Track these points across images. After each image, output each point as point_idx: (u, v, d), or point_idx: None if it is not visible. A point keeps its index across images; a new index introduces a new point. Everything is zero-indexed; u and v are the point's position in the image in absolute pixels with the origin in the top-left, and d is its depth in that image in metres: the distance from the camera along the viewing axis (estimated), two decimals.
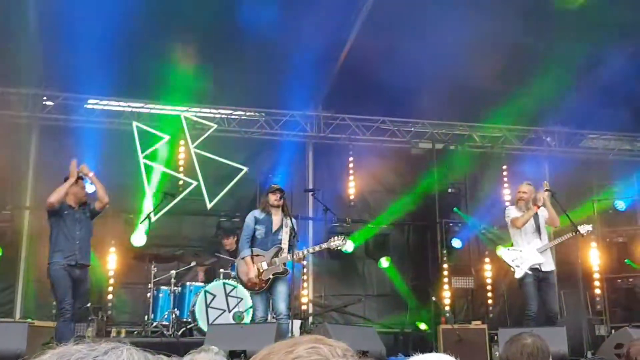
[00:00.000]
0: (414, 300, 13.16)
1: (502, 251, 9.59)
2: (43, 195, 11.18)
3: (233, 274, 10.11)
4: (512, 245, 9.62)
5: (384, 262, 13.19)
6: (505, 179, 14.03)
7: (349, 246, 8.90)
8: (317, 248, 9.31)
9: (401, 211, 13.96)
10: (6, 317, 10.54)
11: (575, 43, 10.98)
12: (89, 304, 9.41)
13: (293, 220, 8.81)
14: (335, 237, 8.91)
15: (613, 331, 10.57)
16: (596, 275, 13.11)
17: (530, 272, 9.14)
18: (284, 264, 8.55)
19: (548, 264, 9.27)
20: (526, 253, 9.24)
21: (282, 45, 10.98)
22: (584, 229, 9.58)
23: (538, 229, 9.39)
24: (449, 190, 13.63)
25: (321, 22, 10.78)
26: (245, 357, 6.90)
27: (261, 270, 8.53)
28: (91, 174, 8.59)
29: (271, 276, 8.50)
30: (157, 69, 11.48)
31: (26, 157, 12.18)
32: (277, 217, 8.79)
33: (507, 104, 12.47)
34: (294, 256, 8.60)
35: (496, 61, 11.33)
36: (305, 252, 9.36)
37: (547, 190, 9.72)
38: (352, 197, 13.60)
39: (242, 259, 8.69)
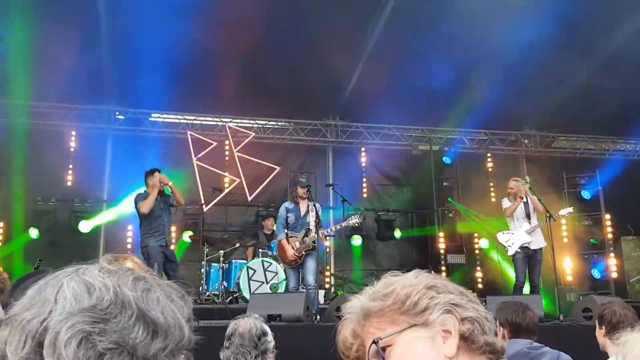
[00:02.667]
0: None
1: (499, 235, 9.60)
2: (116, 190, 11.42)
3: (270, 253, 10.21)
4: (506, 229, 9.65)
5: (397, 233, 13.29)
6: (490, 175, 14.04)
7: (356, 220, 8.98)
8: (337, 226, 9.47)
9: (405, 201, 13.99)
10: None
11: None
12: None
13: (318, 206, 8.87)
14: (354, 216, 9.07)
15: (581, 298, 10.51)
16: (565, 251, 13.11)
17: (520, 250, 9.13)
18: (313, 242, 8.63)
19: (536, 242, 9.20)
20: (517, 235, 9.22)
21: (306, 69, 11.02)
22: (565, 211, 9.65)
23: (528, 215, 9.36)
24: (444, 184, 13.62)
25: (337, 52, 10.84)
26: (280, 319, 6.94)
27: (295, 248, 8.64)
28: (170, 183, 8.68)
29: (304, 252, 8.60)
30: (207, 89, 11.58)
31: (103, 161, 12.34)
32: (304, 206, 8.87)
33: (492, 112, 12.46)
34: (320, 235, 8.67)
35: (487, 77, 11.28)
36: (328, 230, 9.53)
37: (525, 182, 9.72)
38: (364, 189, 13.68)
39: (279, 241, 8.82)
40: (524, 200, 9.35)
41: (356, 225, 9.30)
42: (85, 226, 11.83)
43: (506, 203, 9.56)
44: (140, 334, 0.80)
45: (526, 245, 9.14)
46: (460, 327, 1.32)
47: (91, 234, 11.92)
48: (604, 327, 4.10)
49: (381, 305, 1.36)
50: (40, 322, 0.79)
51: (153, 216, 8.46)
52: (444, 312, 1.33)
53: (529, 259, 9.18)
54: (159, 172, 8.69)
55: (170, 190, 8.66)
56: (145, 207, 8.38)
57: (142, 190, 8.76)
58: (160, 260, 8.27)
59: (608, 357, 3.88)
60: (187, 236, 11.78)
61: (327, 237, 11.15)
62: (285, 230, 8.80)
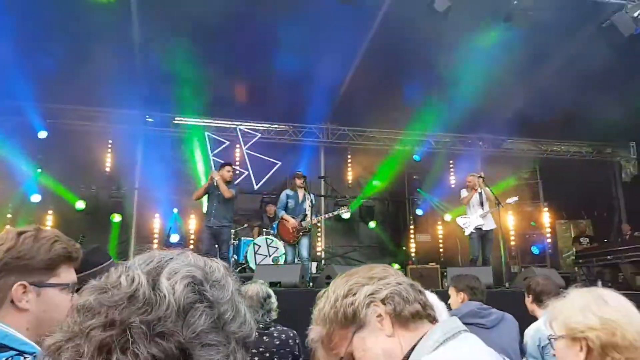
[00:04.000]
0: (391, 249, 13.27)
1: (458, 218, 9.66)
2: (147, 179, 11.43)
3: (272, 232, 10.25)
4: (464, 213, 9.72)
5: (372, 224, 13.31)
6: (451, 170, 14.12)
7: (346, 215, 9.12)
8: (328, 215, 9.57)
9: (383, 191, 14.08)
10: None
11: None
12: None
13: (312, 195, 8.92)
14: (341, 208, 9.16)
15: (522, 269, 10.64)
16: (512, 232, 13.23)
17: (474, 231, 9.20)
18: (308, 225, 8.70)
19: (488, 225, 9.23)
20: (472, 219, 9.28)
21: (303, 81, 11.04)
22: (512, 199, 9.71)
23: (481, 203, 9.39)
24: (414, 177, 13.70)
25: (329, 66, 10.84)
26: (280, 286, 6.98)
27: (294, 229, 8.70)
28: (217, 177, 8.65)
29: (301, 234, 8.68)
30: (221, 98, 11.59)
31: (134, 156, 12.34)
32: (301, 194, 8.95)
33: (455, 119, 12.52)
34: (313, 220, 8.75)
35: (452, 92, 11.33)
36: (321, 218, 9.61)
37: (480, 177, 9.78)
38: (349, 181, 13.72)
39: (282, 218, 8.87)
40: (479, 191, 9.41)
41: (343, 214, 9.43)
42: (116, 218, 11.86)
43: (464, 193, 9.64)
44: (228, 311, 0.84)
45: (479, 226, 9.21)
46: (386, 308, 1.31)
47: (124, 219, 11.93)
48: (531, 295, 4.20)
49: (326, 332, 1.35)
50: (164, 261, 0.85)
51: (208, 202, 8.61)
52: (367, 307, 1.31)
53: (482, 238, 9.24)
54: (226, 166, 8.80)
55: (215, 183, 8.61)
56: (194, 195, 8.63)
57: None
58: (206, 237, 8.40)
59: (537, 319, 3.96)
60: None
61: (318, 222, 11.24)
62: (284, 213, 8.88)
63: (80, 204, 11.52)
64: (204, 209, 8.65)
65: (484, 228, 9.23)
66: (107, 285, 0.81)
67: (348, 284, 1.35)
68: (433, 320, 1.36)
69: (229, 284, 0.87)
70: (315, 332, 1.37)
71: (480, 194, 9.42)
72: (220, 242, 8.45)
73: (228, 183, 8.64)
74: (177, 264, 0.84)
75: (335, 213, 9.29)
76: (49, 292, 1.57)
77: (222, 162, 8.99)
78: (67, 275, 1.63)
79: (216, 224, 8.40)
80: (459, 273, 4.77)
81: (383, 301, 1.31)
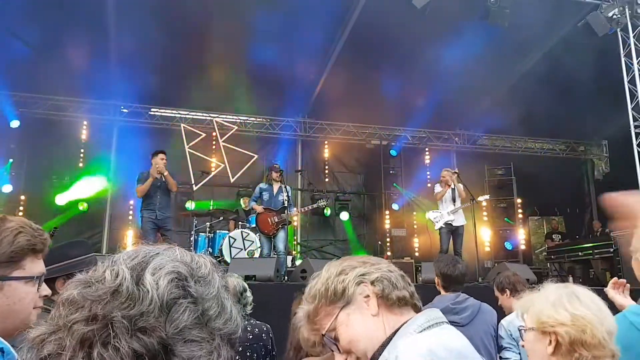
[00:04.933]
0: (367, 243, 13.33)
1: (428, 213, 9.68)
2: (122, 171, 11.26)
3: (247, 225, 10.19)
4: (436, 208, 9.76)
5: (344, 215, 13.32)
6: (427, 165, 14.21)
7: (323, 204, 9.14)
8: (308, 208, 9.55)
9: (359, 185, 14.11)
10: (96, 252, 10.53)
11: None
12: None
13: (288, 189, 8.88)
14: (320, 200, 9.16)
15: (496, 264, 10.74)
16: (485, 228, 13.38)
17: (444, 226, 9.19)
18: (288, 218, 8.67)
19: (458, 221, 9.25)
20: (443, 214, 9.28)
21: (280, 74, 11.00)
22: (483, 197, 9.74)
23: (453, 199, 9.36)
24: (391, 171, 13.72)
25: (306, 61, 10.82)
26: (255, 279, 6.94)
27: (274, 223, 8.65)
28: (165, 173, 8.38)
29: (279, 226, 8.62)
30: (198, 87, 11.48)
31: (109, 147, 12.16)
32: (276, 187, 8.87)
33: (431, 115, 12.62)
34: (293, 213, 8.71)
35: (426, 85, 11.39)
36: (301, 210, 9.61)
37: (455, 172, 9.83)
38: (326, 175, 13.72)
39: (257, 214, 8.77)
40: (452, 187, 9.45)
41: (322, 207, 9.39)
42: (61, 199, 11.43)
43: (437, 188, 9.65)
44: (213, 307, 0.84)
45: (450, 222, 9.22)
46: (374, 288, 1.35)
47: (97, 207, 11.75)
48: (507, 291, 4.24)
49: (314, 305, 1.38)
50: (149, 256, 0.85)
51: (147, 195, 8.19)
52: (357, 285, 1.35)
53: (452, 233, 9.26)
54: (164, 154, 8.33)
55: (164, 178, 8.27)
56: (140, 192, 8.07)
57: (145, 171, 8.39)
58: (150, 228, 8.09)
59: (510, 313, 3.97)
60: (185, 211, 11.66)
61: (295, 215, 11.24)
62: (255, 204, 8.83)
63: (60, 200, 11.28)
64: (143, 200, 8.28)
65: (454, 224, 9.24)
66: (92, 279, 0.82)
67: (342, 265, 1.40)
68: (418, 310, 1.39)
69: (215, 280, 0.87)
70: (302, 310, 1.41)
71: (453, 189, 9.46)
72: (167, 232, 8.27)
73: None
74: (162, 260, 0.84)
75: (315, 206, 9.28)
76: (12, 285, 1.52)
77: (159, 150, 8.44)
78: (33, 266, 1.57)
79: (161, 215, 8.22)
80: (440, 255, 4.69)
81: (373, 282, 1.35)
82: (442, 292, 3.90)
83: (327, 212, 12.90)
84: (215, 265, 0.91)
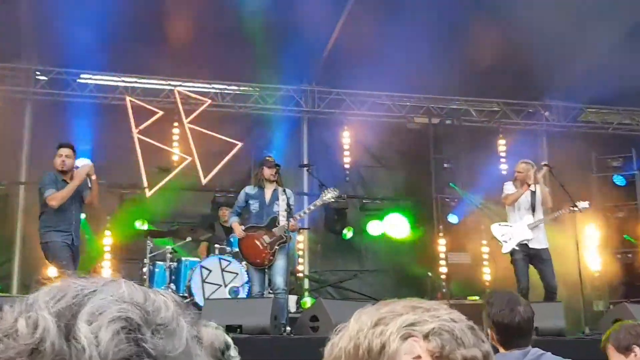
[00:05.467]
0: (411, 275, 13.28)
1: (493, 226, 9.65)
2: (38, 170, 11.30)
3: (229, 249, 10.21)
4: (504, 221, 9.70)
5: (374, 229, 13.34)
6: (502, 154, 14.15)
7: (331, 195, 9.07)
8: (311, 207, 9.52)
9: (396, 187, 14.06)
10: (3, 292, 10.62)
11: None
12: None
13: (289, 192, 8.89)
14: (327, 190, 9.13)
15: (611, 307, 10.65)
16: (593, 251, 13.22)
17: (518, 248, 9.18)
18: (285, 232, 8.64)
19: (538, 241, 9.25)
20: (516, 229, 9.28)
21: (275, 18, 11.00)
22: (581, 205, 9.66)
23: (533, 207, 9.36)
24: (445, 165, 13.70)
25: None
26: (241, 331, 6.97)
27: (265, 244, 8.65)
28: (94, 177, 8.41)
29: (277, 247, 8.62)
30: (150, 43, 11.51)
31: (20, 133, 12.23)
32: (269, 191, 8.88)
33: (504, 78, 12.55)
34: (292, 222, 8.69)
35: (498, 35, 11.36)
36: (301, 214, 9.53)
37: (545, 165, 9.78)
38: (347, 172, 13.70)
39: (240, 238, 8.87)
40: (532, 188, 9.38)
41: (332, 200, 9.39)
42: None
43: (509, 188, 9.60)
44: None
45: (525, 242, 9.21)
46: (429, 345, 1.32)
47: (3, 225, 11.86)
48: (636, 349, 4.18)
49: None
50: (82, 296, 0.85)
51: (60, 208, 8.12)
52: (402, 339, 1.32)
53: (530, 259, 9.25)
54: (69, 148, 8.34)
55: (90, 183, 8.30)
56: (56, 200, 8.01)
57: (51, 171, 8.31)
58: (68, 256, 8.04)
59: None
60: (133, 228, 11.73)
61: (300, 229, 11.23)
62: (236, 220, 8.91)
63: None
64: (45, 218, 8.20)
65: (532, 245, 9.24)
66: (1, 334, 0.81)
67: (380, 312, 1.38)
68: None
69: (181, 328, 0.87)
70: None
71: (533, 192, 9.39)
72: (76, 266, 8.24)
73: (64, 173, 8.27)
74: (102, 300, 0.84)
75: (320, 203, 9.22)
76: None
77: (62, 143, 8.41)
78: None
79: (77, 242, 8.25)
80: (492, 293, 4.68)
81: (426, 336, 1.32)
82: (501, 350, 3.89)
83: (347, 233, 12.86)
84: (181, 306, 0.90)
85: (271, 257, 8.62)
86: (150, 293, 0.89)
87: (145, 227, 11.15)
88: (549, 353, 3.77)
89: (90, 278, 0.89)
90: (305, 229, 12.62)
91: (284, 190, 8.77)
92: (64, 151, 8.29)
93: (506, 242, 9.26)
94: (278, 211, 8.71)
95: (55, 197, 8.03)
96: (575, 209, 9.42)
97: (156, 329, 0.84)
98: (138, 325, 0.82)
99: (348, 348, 1.34)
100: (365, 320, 1.36)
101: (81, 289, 0.86)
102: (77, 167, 8.41)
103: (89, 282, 0.88)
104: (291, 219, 8.66)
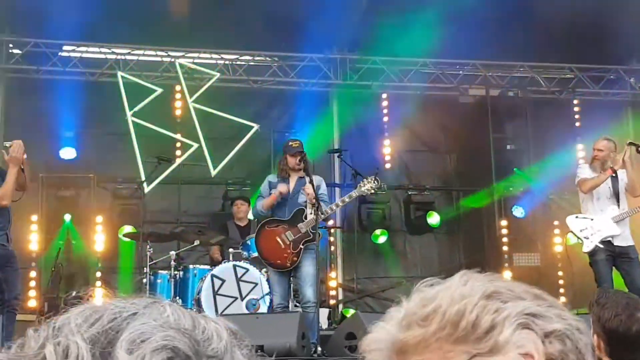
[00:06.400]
0: None
1: (570, 219, 9.57)
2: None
3: (245, 254, 10.21)
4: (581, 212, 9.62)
5: (435, 219, 13.35)
6: (578, 131, 14.07)
7: (370, 187, 9.03)
8: (346, 199, 9.48)
9: (447, 173, 14.01)
10: None
11: None
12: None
13: (318, 178, 8.90)
14: (365, 180, 9.12)
15: None
16: None
17: (602, 246, 9.08)
18: (312, 228, 8.64)
19: (624, 238, 9.19)
20: (598, 222, 9.18)
21: None
22: None
23: (616, 195, 9.30)
24: (508, 147, 13.67)
25: None
26: (262, 352, 6.98)
27: (288, 242, 8.67)
28: (25, 155, 8.42)
29: (302, 246, 8.64)
30: (146, 8, 11.53)
31: None
32: (294, 179, 8.94)
33: (577, 37, 12.43)
34: (322, 214, 8.64)
35: None
36: (333, 207, 9.49)
37: (631, 143, 9.65)
38: (387, 158, 13.73)
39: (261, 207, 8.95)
40: (616, 171, 9.28)
41: (371, 192, 9.39)
42: None
43: (585, 171, 9.49)
44: None
45: (609, 239, 9.13)
46: (547, 347, 1.30)
47: None
48: None
49: (422, 334, 1.31)
50: (121, 319, 0.86)
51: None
52: (519, 328, 1.30)
53: (614, 259, 9.17)
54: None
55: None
56: (7, 198, 8.08)
57: None
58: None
59: None
60: (124, 232, 11.76)
61: (331, 225, 11.25)
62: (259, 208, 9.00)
63: None
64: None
65: (617, 243, 9.17)
66: None
67: (494, 284, 1.36)
68: None
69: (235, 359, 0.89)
70: (388, 333, 1.37)
71: (614, 177, 9.30)
72: (13, 272, 8.23)
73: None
74: (144, 325, 0.85)
75: (356, 194, 9.21)
76: None
77: None
78: None
79: (9, 240, 8.28)
80: (602, 293, 4.62)
81: (548, 336, 1.29)
82: None
83: (380, 236, 12.78)
84: (236, 335, 0.93)
85: (295, 258, 8.65)
86: (200, 319, 0.91)
87: (145, 230, 11.17)
88: None
89: (129, 299, 0.91)
90: (338, 227, 12.60)
91: (312, 182, 8.73)
92: None
93: (587, 238, 9.16)
94: (306, 202, 8.69)
95: (4, 194, 8.06)
96: None
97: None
98: (187, 357, 0.84)
99: (449, 312, 1.31)
100: (477, 287, 1.34)
101: (119, 311, 0.88)
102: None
103: (127, 303, 0.90)
104: (325, 210, 8.68)
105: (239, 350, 0.90)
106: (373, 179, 9.09)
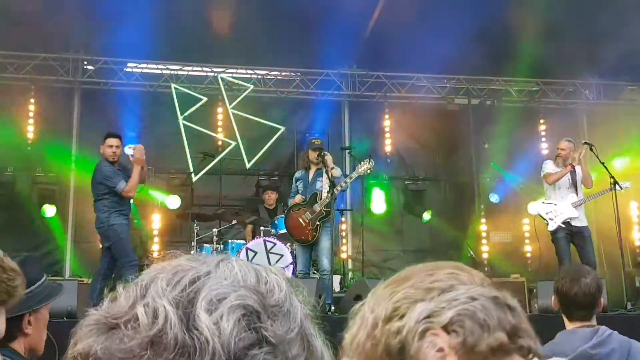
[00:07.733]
0: (452, 255, 13.21)
1: (535, 205, 9.60)
2: (86, 156, 11.44)
3: (274, 231, 10.24)
4: (545, 199, 9.62)
5: (426, 216, 13.28)
6: (542, 134, 13.99)
7: (366, 168, 9.04)
8: (348, 180, 9.43)
9: (436, 166, 13.98)
10: (57, 276, 10.74)
11: None
12: None
13: (335, 170, 8.89)
14: (362, 163, 9.14)
15: None
16: (636, 228, 13.04)
17: (563, 226, 9.16)
18: (326, 207, 8.70)
19: (580, 220, 9.26)
20: (560, 207, 9.25)
21: (315, 3, 10.94)
22: (624, 184, 9.53)
23: (575, 185, 9.36)
24: (485, 145, 13.58)
25: None
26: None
27: (307, 221, 8.72)
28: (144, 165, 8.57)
29: (318, 222, 8.69)
30: (194, 31, 11.53)
31: (69, 121, 12.37)
32: (313, 171, 9.06)
33: (544, 57, 12.34)
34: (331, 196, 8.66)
35: (531, 13, 11.18)
36: (339, 187, 9.48)
37: (585, 143, 9.65)
38: (388, 154, 13.69)
39: (289, 209, 9.08)
40: (573, 169, 9.29)
41: (368, 173, 9.37)
42: (50, 210, 11.85)
43: (549, 167, 9.52)
44: (299, 354, 0.83)
45: (568, 220, 9.17)
46: (450, 339, 1.20)
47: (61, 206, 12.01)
48: None
49: None
50: (198, 279, 0.82)
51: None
52: (421, 338, 1.20)
53: (572, 237, 9.21)
54: (119, 138, 8.54)
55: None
56: (133, 191, 8.38)
57: (105, 162, 8.43)
58: (129, 236, 8.36)
59: None
60: (177, 213, 11.78)
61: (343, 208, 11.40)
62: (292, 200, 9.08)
63: None
64: (114, 199, 8.38)
65: (574, 223, 9.21)
66: (117, 320, 0.79)
67: (393, 299, 1.26)
68: (529, 354, 1.23)
69: (295, 308, 0.86)
70: None
71: (573, 171, 9.32)
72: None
73: (114, 162, 8.49)
74: (219, 286, 0.82)
75: (355, 174, 9.19)
76: None
77: (111, 133, 8.66)
78: None
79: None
80: (565, 265, 4.59)
81: (446, 328, 1.19)
82: (566, 322, 3.91)
83: (426, 215, 12.77)
84: (292, 283, 0.89)
85: (315, 233, 8.72)
86: (262, 272, 0.87)
87: (193, 211, 11.19)
88: (616, 332, 3.73)
89: (200, 257, 0.88)
90: (349, 210, 12.61)
91: (328, 169, 8.73)
92: (114, 141, 8.47)
93: (552, 219, 9.26)
94: (321, 187, 8.74)
95: (132, 188, 8.35)
96: (618, 188, 9.27)
97: (272, 312, 0.82)
98: (257, 312, 0.81)
99: (366, 346, 1.24)
100: (379, 312, 1.25)
101: (196, 272, 0.83)
102: (132, 152, 8.51)
103: (199, 263, 0.86)
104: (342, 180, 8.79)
105: (296, 296, 0.88)
106: (368, 160, 9.11)
